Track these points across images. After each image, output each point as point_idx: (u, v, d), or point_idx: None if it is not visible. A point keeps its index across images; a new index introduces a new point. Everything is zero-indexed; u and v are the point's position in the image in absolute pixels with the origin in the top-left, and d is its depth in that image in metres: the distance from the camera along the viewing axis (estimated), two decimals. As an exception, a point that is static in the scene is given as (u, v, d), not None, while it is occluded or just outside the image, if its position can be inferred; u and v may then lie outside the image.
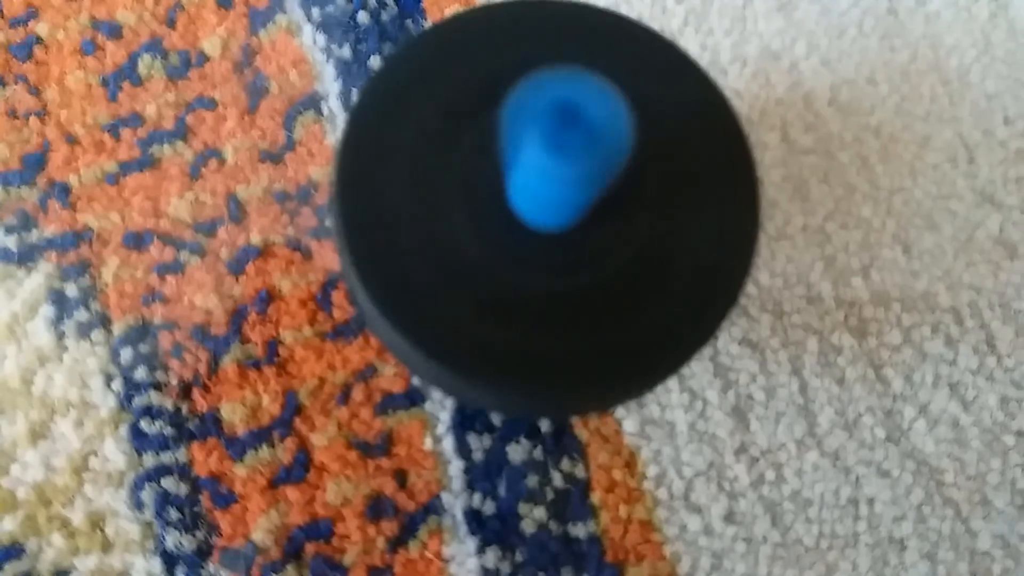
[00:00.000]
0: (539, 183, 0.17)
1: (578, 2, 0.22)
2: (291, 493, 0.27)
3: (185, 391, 0.28)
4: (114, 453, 0.27)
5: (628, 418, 0.28)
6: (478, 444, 0.27)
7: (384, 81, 0.21)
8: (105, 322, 0.28)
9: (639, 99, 0.19)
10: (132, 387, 0.28)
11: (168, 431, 0.27)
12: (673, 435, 0.28)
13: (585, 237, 0.20)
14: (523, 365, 0.20)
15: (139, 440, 0.27)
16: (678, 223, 0.21)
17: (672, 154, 0.21)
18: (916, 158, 0.30)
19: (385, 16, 0.31)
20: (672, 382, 0.28)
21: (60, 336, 0.28)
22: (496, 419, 0.28)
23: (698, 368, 0.28)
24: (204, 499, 0.27)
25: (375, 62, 0.30)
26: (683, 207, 0.21)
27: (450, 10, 0.30)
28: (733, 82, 0.30)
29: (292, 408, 0.27)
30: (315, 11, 0.30)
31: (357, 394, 0.27)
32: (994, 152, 0.31)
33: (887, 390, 0.29)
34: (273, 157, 0.29)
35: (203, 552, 0.26)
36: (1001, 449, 0.28)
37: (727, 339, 0.29)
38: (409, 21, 0.30)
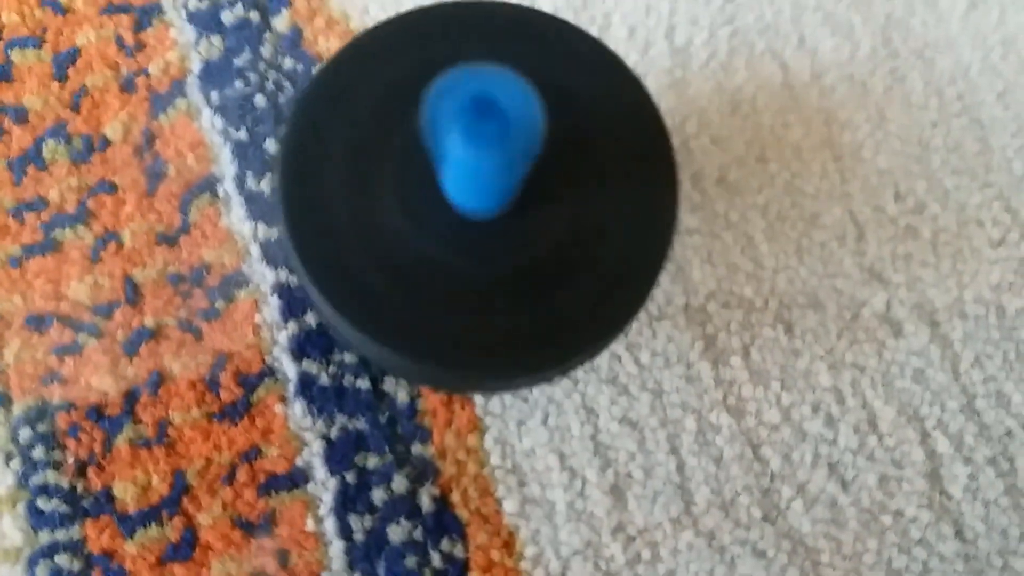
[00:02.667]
0: (463, 172, 0.21)
1: (510, 3, 0.26)
2: (178, 571, 0.30)
3: (81, 470, 0.30)
4: (11, 530, 0.30)
5: (509, 498, 0.30)
6: (359, 525, 0.30)
7: (324, 79, 0.25)
8: (6, 402, 0.31)
9: (564, 93, 0.23)
10: (30, 466, 0.30)
11: (63, 509, 0.30)
12: (552, 514, 0.30)
13: (513, 224, 0.24)
14: (449, 340, 0.23)
15: (36, 518, 0.30)
16: (600, 211, 0.24)
17: (596, 145, 0.25)
18: (803, 236, 0.32)
19: (282, 99, 0.33)
20: (552, 460, 0.31)
21: (-37, 416, 0.31)
22: (377, 500, 0.30)
23: (578, 447, 0.31)
24: (96, 575, 0.29)
25: (271, 144, 0.32)
26: (605, 195, 0.24)
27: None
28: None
29: (180, 488, 0.30)
30: (214, 94, 0.33)
31: (242, 475, 0.30)
32: (884, 228, 0.33)
33: (765, 469, 0.31)
34: (169, 240, 0.32)
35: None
36: (878, 529, 0.31)
37: (607, 417, 0.31)
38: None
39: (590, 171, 0.24)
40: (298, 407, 0.32)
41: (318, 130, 0.25)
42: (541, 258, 0.24)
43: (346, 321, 0.23)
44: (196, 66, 0.35)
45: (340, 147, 0.24)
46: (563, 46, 0.25)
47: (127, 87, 0.34)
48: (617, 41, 0.35)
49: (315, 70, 0.28)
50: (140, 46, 0.35)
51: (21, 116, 0.34)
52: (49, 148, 0.34)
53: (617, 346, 0.32)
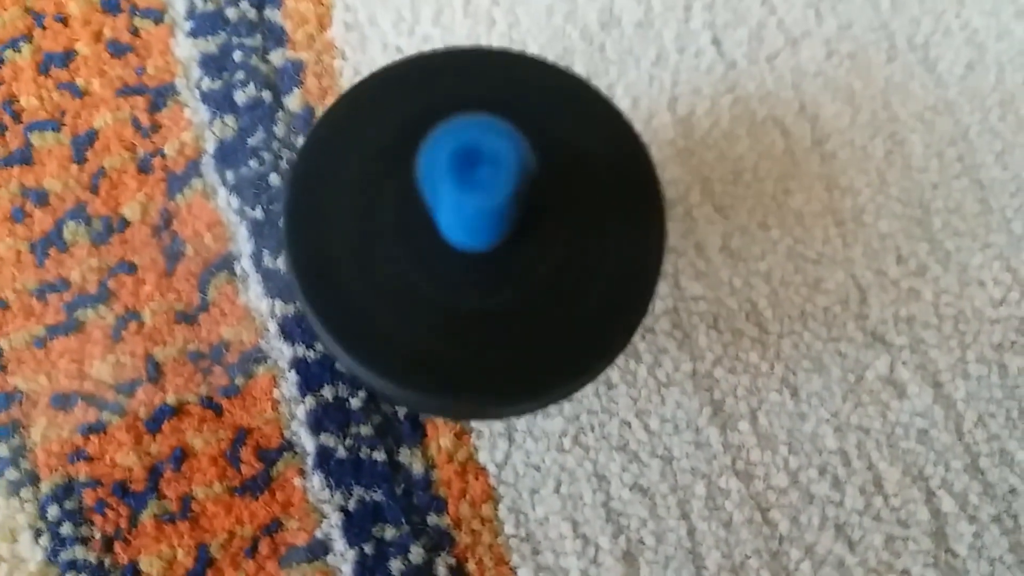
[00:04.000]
0: (454, 215, 0.23)
1: (505, 50, 0.28)
2: (203, 643, 0.31)
3: (107, 545, 0.32)
4: (41, 606, 0.32)
5: (523, 566, 0.32)
6: (378, 594, 0.32)
7: (327, 123, 0.27)
8: (34, 480, 0.33)
9: (554, 134, 0.26)
10: (59, 542, 0.32)
11: (91, 584, 0.32)
12: (566, 580, 0.32)
13: (505, 260, 0.26)
14: (449, 371, 0.26)
15: (64, 593, 0.32)
16: (591, 246, 0.27)
17: (586, 183, 0.27)
18: (807, 301, 0.34)
19: (295, 176, 0.35)
20: (566, 528, 0.32)
21: (-8, 494, 0.33)
22: (395, 570, 0.32)
23: (591, 514, 0.32)
24: (123, 650, 0.31)
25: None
26: (596, 231, 0.27)
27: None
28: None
29: (204, 561, 0.32)
30: (229, 174, 0.35)
31: (264, 547, 0.32)
32: (886, 292, 0.34)
33: (774, 532, 0.32)
34: (188, 318, 0.34)
35: None
36: (886, 589, 0.32)
37: (619, 484, 0.33)
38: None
39: (580, 208, 0.27)
40: (316, 480, 0.33)
41: (322, 171, 0.27)
42: (535, 289, 0.26)
43: (350, 356, 0.26)
44: (211, 146, 0.36)
45: (342, 188, 0.27)
46: (555, 89, 0.28)
47: (144, 168, 0.36)
48: (621, 111, 0.37)
49: (318, 115, 0.30)
50: (156, 127, 0.37)
51: (42, 199, 0.36)
52: (70, 230, 0.36)
53: (627, 413, 0.34)
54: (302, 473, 0.34)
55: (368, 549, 0.33)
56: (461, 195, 0.21)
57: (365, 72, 0.35)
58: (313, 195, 0.27)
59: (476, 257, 0.26)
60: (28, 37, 0.38)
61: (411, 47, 0.38)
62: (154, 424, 0.34)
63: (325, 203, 0.27)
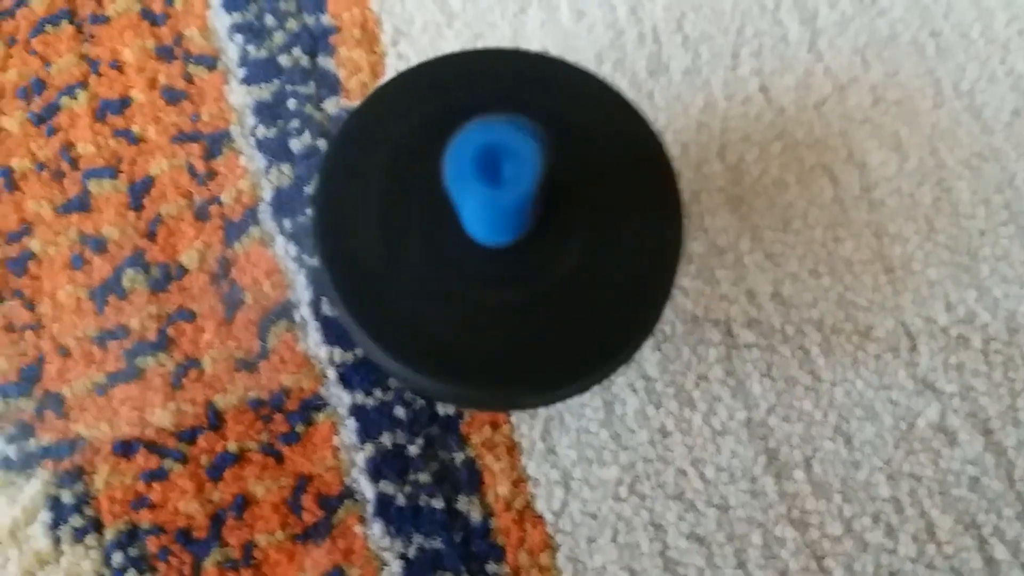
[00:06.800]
0: (480, 210, 0.24)
1: (528, 51, 0.30)
2: None
3: (170, 592, 0.33)
4: (106, 653, 0.33)
5: (581, 612, 0.33)
6: (439, 642, 0.32)
7: (357, 121, 0.29)
8: (98, 527, 0.34)
9: (576, 132, 0.28)
10: (122, 589, 0.33)
11: (155, 630, 0.33)
12: (624, 627, 0.33)
13: (527, 253, 0.28)
14: (473, 362, 0.27)
15: (129, 640, 0.33)
16: (611, 236, 0.28)
17: (605, 180, 0.28)
18: (858, 348, 0.35)
19: (351, 224, 0.36)
20: (622, 576, 0.33)
21: (57, 541, 0.34)
22: (456, 617, 0.33)
23: (648, 564, 0.33)
24: None
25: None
26: (616, 222, 0.28)
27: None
28: (679, 279, 0.35)
29: (267, 609, 0.33)
30: (286, 222, 0.36)
31: (327, 596, 0.33)
32: (935, 339, 0.35)
33: (828, 580, 0.33)
34: (248, 365, 0.35)
35: None
36: (939, 636, 0.33)
37: (675, 534, 0.33)
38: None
39: (599, 203, 0.28)
40: (377, 528, 0.34)
41: (351, 169, 0.28)
42: (558, 280, 0.28)
43: (383, 350, 0.27)
44: (267, 194, 0.37)
45: (371, 187, 0.28)
46: (576, 89, 0.29)
47: (201, 215, 0.37)
48: (670, 159, 0.37)
49: (347, 114, 0.32)
50: (212, 174, 0.38)
51: (101, 246, 0.37)
52: (128, 277, 0.37)
53: (683, 462, 0.35)
54: (362, 520, 0.35)
55: (429, 597, 0.34)
56: (485, 192, 0.22)
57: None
58: (344, 188, 0.28)
59: (500, 251, 0.27)
60: (84, 84, 0.39)
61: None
62: (216, 471, 0.35)
63: (354, 202, 0.28)
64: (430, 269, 0.28)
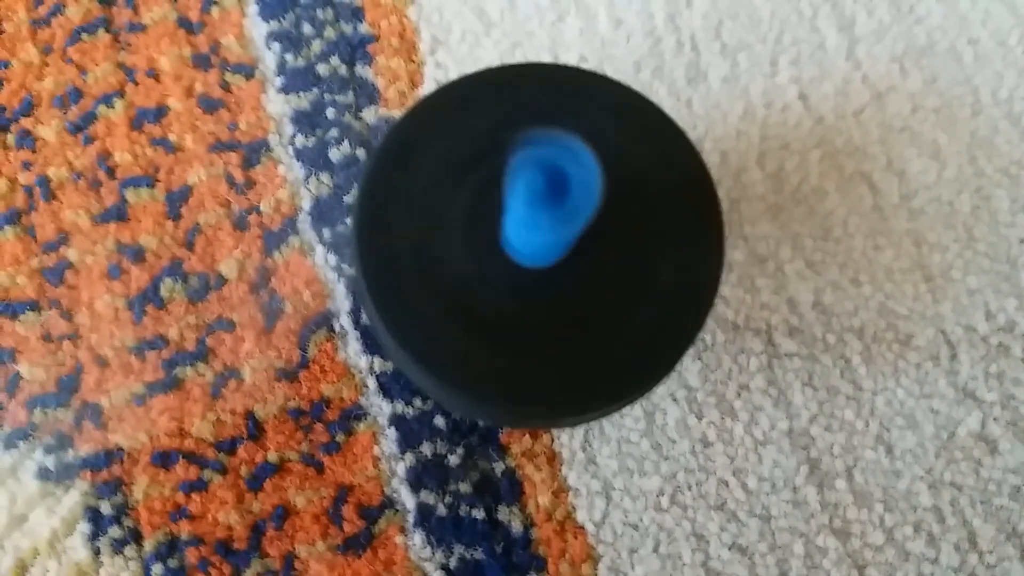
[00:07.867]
0: (532, 235, 0.24)
1: (566, 65, 0.29)
2: None
3: (211, 602, 0.33)
4: (148, 664, 0.33)
5: (623, 622, 0.33)
6: (482, 653, 0.32)
7: (399, 134, 0.29)
8: (137, 538, 0.34)
9: (618, 151, 0.27)
10: (163, 599, 0.33)
11: (196, 641, 0.33)
12: (667, 638, 0.33)
13: (565, 274, 0.27)
14: (506, 380, 0.27)
15: (170, 651, 0.33)
16: (649, 260, 0.28)
17: (646, 200, 0.28)
18: (899, 357, 0.35)
19: (389, 233, 0.36)
20: (665, 587, 0.33)
21: (96, 552, 0.34)
22: (498, 628, 0.33)
23: (690, 574, 0.33)
24: None
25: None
26: (655, 245, 0.28)
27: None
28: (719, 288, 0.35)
29: (309, 620, 0.33)
30: (326, 232, 0.36)
31: (369, 607, 0.33)
32: (976, 348, 0.35)
33: (871, 590, 0.33)
34: (288, 375, 0.35)
35: None
36: (983, 646, 0.33)
37: (717, 544, 0.33)
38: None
39: (640, 224, 0.28)
40: (418, 538, 0.34)
41: (390, 183, 0.28)
42: (595, 302, 0.28)
43: (419, 368, 0.27)
44: (307, 203, 0.37)
45: (410, 200, 0.28)
46: (618, 104, 0.29)
47: (240, 225, 0.37)
48: (710, 167, 0.37)
49: (386, 124, 0.32)
50: (250, 183, 0.38)
51: (138, 255, 0.37)
52: (167, 287, 0.37)
53: (724, 472, 0.35)
54: (403, 531, 0.35)
55: (471, 607, 0.34)
56: (554, 220, 0.22)
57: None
58: (385, 200, 0.28)
59: (538, 269, 0.27)
60: (120, 92, 0.39)
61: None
62: (255, 482, 0.35)
63: (394, 214, 0.28)
64: (467, 287, 0.27)
